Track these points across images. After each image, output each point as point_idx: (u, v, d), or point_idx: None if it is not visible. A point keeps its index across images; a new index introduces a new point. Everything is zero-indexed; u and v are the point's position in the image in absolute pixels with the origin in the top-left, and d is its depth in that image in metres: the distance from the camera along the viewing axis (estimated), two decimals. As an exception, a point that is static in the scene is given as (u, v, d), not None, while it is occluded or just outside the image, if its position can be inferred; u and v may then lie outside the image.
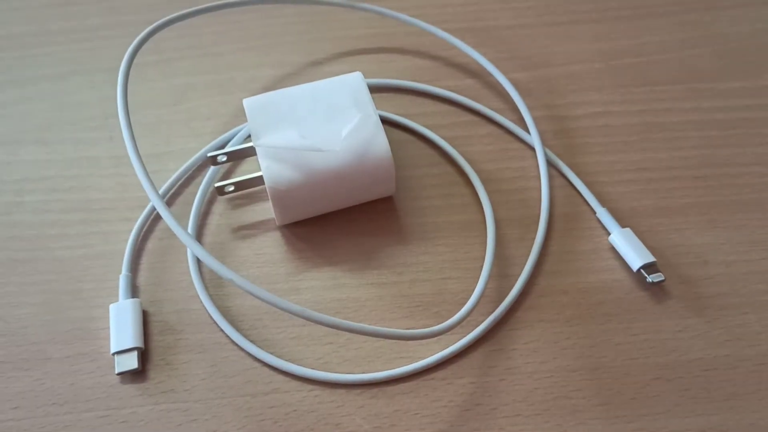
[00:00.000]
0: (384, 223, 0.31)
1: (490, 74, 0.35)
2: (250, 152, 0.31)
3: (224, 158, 0.31)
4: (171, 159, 0.33)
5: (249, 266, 0.30)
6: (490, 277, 0.28)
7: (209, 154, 0.30)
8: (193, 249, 0.25)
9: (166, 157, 0.33)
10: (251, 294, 0.24)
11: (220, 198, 0.32)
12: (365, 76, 0.34)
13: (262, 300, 0.24)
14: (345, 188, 0.29)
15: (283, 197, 0.29)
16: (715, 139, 0.34)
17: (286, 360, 0.28)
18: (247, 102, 0.30)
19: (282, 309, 0.24)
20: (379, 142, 0.29)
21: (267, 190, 0.28)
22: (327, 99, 0.30)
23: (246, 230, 0.31)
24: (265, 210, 0.32)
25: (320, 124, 0.29)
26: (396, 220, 0.31)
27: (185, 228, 0.30)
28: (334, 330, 0.28)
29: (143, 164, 0.27)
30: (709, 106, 0.35)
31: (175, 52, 0.38)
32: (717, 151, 0.33)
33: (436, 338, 0.27)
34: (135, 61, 0.30)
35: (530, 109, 0.34)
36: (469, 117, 0.34)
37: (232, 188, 0.31)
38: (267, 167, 0.28)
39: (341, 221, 0.31)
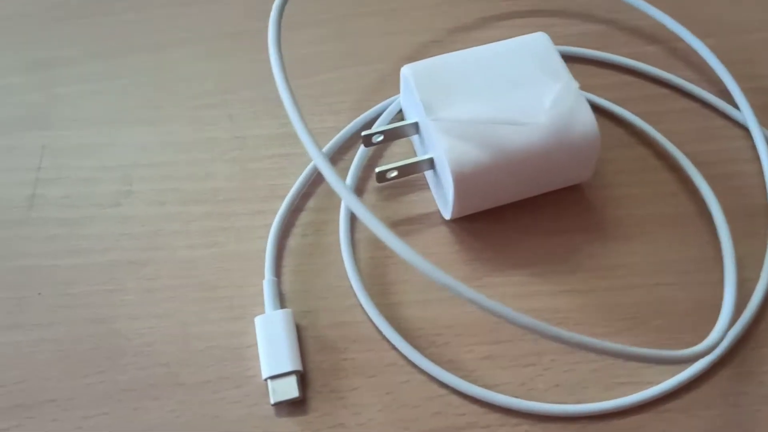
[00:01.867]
0: (574, 218, 0.26)
1: (677, 39, 0.29)
2: (411, 130, 0.26)
3: (380, 138, 0.26)
4: (305, 140, 0.28)
5: (415, 270, 0.25)
6: (728, 282, 0.23)
7: (363, 133, 0.25)
8: (379, 231, 0.19)
9: (298, 139, 0.28)
10: (453, 290, 0.19)
11: (371, 187, 0.26)
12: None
13: (470, 300, 0.19)
14: (541, 171, 0.24)
15: (467, 182, 0.23)
16: None
17: (481, 386, 0.22)
18: (409, 69, 0.25)
19: (497, 314, 0.19)
20: (584, 115, 0.23)
21: (450, 174, 0.23)
22: (506, 64, 0.25)
23: (406, 226, 0.26)
24: (424, 201, 0.26)
25: (504, 93, 0.24)
26: (588, 213, 0.26)
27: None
28: (535, 347, 0.23)
29: (304, 121, 0.22)
30: None
31: (302, 17, 0.31)
32: None
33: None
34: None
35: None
36: (657, 89, 0.29)
37: (395, 173, 0.25)
38: (450, 146, 0.23)
39: (520, 215, 0.26)
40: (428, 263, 0.19)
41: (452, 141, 0.23)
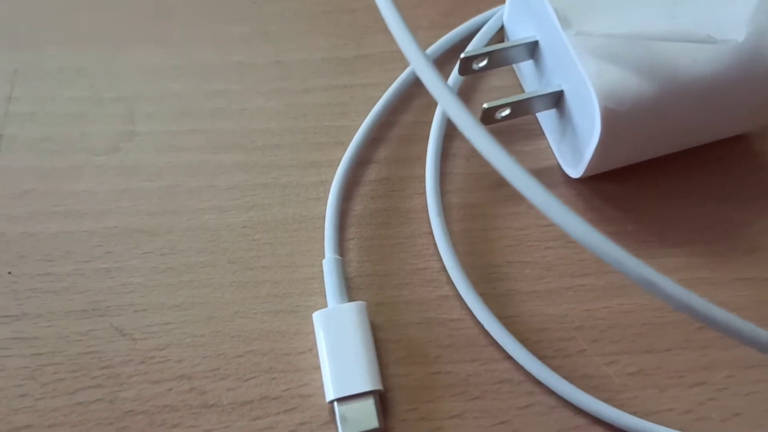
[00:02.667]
0: (740, 180, 0.19)
1: None
2: (523, 54, 0.19)
3: (483, 62, 0.19)
4: (371, 68, 0.20)
5: (534, 247, 0.18)
6: None
7: (463, 55, 0.18)
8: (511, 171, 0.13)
9: (363, 65, 0.20)
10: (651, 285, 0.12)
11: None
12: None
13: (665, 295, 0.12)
14: (721, 110, 0.17)
15: (619, 124, 0.16)
16: None
17: (631, 413, 0.16)
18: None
19: (697, 315, 0.12)
20: (785, 33, 0.17)
21: (596, 110, 0.16)
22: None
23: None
24: (538, 153, 0.19)
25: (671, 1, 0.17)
26: (759, 176, 0.19)
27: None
28: (702, 359, 0.16)
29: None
30: None
31: None
32: None
33: None
34: None
35: None
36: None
37: (506, 111, 0.18)
38: (597, 72, 0.16)
39: (667, 175, 0.19)
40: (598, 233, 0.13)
41: (600, 64, 0.16)
